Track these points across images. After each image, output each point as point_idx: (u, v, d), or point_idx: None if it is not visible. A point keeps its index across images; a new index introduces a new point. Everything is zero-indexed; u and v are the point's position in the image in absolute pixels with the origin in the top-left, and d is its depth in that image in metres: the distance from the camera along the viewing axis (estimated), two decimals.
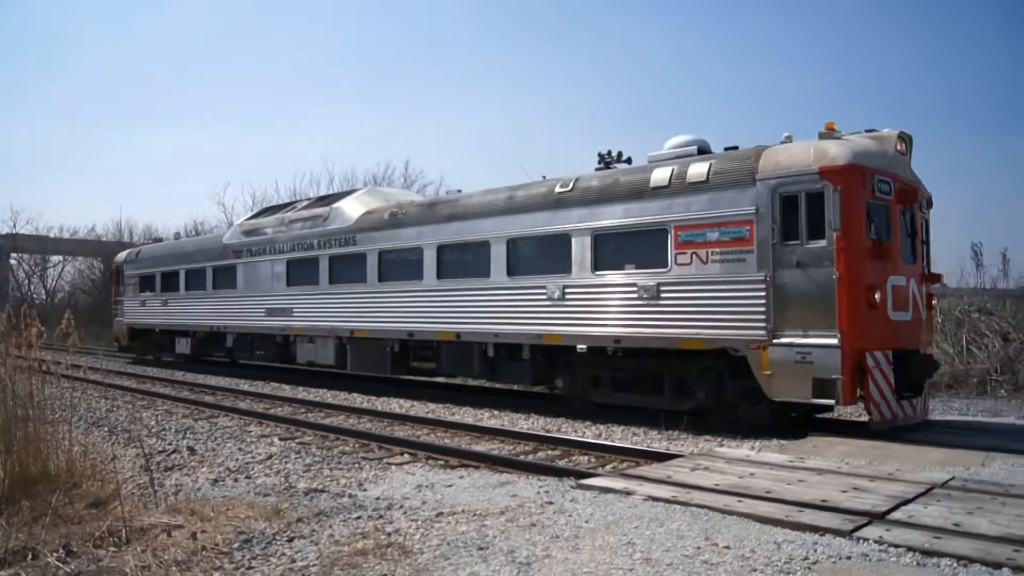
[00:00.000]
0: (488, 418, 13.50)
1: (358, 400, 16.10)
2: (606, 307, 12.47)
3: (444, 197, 16.78)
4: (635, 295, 12.03)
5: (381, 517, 6.26)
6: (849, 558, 4.96)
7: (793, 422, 11.24)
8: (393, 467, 9.23)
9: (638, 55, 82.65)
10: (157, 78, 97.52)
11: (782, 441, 10.16)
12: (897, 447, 9.20)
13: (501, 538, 5.52)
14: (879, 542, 5.22)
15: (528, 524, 5.88)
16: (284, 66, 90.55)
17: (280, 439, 11.38)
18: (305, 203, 20.63)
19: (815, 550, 5.09)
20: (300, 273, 19.10)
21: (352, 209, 17.87)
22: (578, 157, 34.15)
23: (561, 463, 9.65)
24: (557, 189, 13.43)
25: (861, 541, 5.27)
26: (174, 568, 5.07)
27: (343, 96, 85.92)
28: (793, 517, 5.83)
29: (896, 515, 5.89)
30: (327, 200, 19.54)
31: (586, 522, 5.88)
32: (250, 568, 5.15)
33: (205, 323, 22.97)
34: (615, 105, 79.27)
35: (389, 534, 5.74)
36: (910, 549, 5.06)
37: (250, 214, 23.50)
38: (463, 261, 15.02)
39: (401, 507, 6.61)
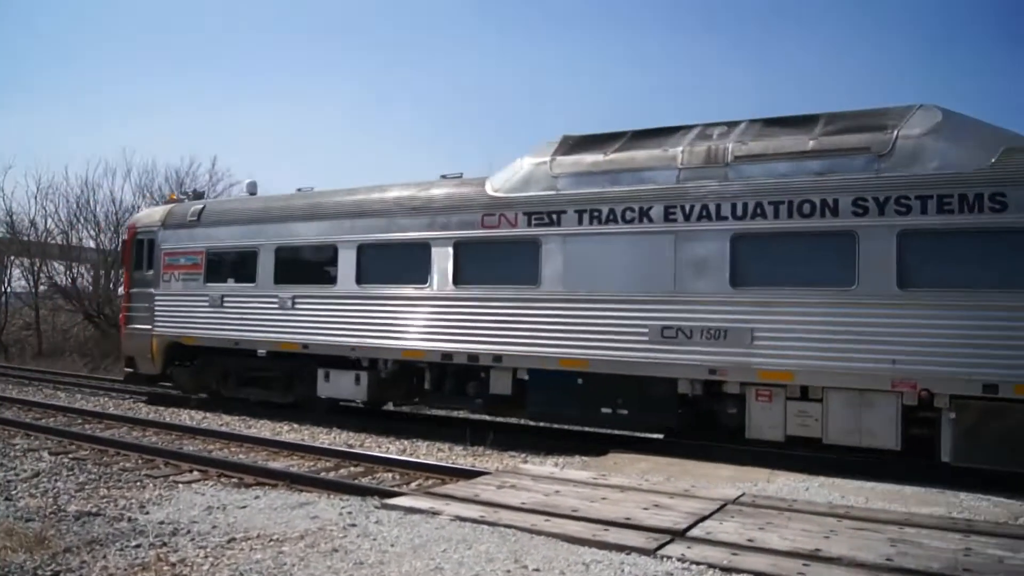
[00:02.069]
0: (287, 432, 12.91)
1: (144, 411, 14.92)
2: None
3: None
4: None
5: (165, 544, 5.70)
6: None
7: (593, 437, 11.45)
8: (180, 486, 8.54)
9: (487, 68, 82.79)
10: None
11: (584, 457, 10.36)
12: (691, 464, 9.57)
13: (300, 566, 5.14)
14: (682, 560, 5.33)
15: (330, 550, 5.53)
16: (85, 41, 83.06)
17: (51, 453, 10.30)
18: (743, 125, 10.82)
19: (623, 570, 5.11)
20: (772, 261, 10.09)
21: (955, 139, 9.19)
22: (389, 163, 33.48)
23: (365, 481, 9.32)
24: None
25: (665, 559, 5.36)
26: None
27: (146, 81, 79.93)
28: (600, 536, 5.86)
29: (695, 532, 6.07)
30: (859, 121, 9.99)
31: (392, 546, 5.61)
32: None
33: (429, 347, 12.32)
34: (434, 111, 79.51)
35: (173, 564, 5.21)
36: (711, 566, 5.20)
37: (553, 146, 11.93)
38: None
39: (188, 532, 6.05)
